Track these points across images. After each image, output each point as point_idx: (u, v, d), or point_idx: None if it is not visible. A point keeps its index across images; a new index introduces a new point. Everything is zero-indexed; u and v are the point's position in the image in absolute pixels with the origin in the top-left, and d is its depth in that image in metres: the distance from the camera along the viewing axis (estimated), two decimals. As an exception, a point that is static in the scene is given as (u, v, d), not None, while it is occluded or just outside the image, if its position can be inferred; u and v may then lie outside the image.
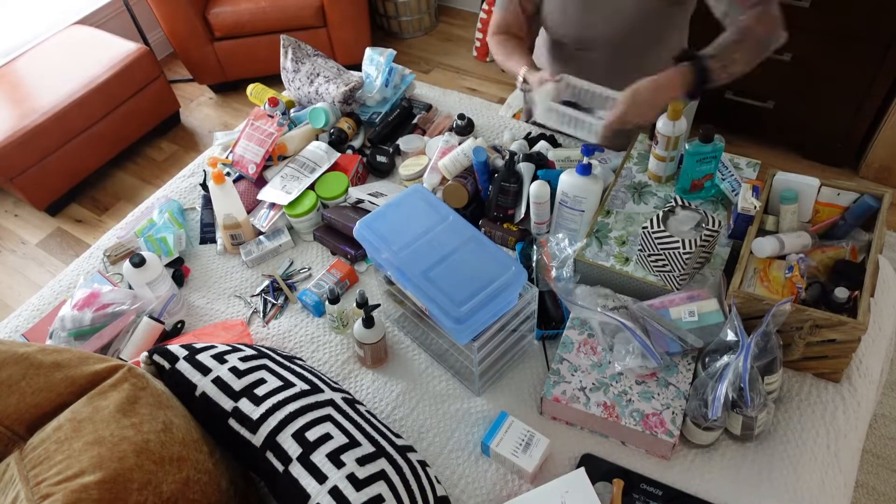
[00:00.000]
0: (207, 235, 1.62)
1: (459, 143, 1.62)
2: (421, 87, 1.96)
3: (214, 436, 1.04)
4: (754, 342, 1.08)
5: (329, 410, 1.03)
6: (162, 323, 1.38)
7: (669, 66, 1.23)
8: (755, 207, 1.25)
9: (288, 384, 1.05)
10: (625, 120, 1.22)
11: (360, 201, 1.56)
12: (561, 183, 1.38)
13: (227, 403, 1.01)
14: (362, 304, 1.26)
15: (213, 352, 1.09)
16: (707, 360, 1.13)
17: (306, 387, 1.06)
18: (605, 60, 1.39)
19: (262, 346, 1.20)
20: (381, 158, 1.68)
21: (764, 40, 1.19)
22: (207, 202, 1.67)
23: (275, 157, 1.66)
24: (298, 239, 1.59)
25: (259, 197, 1.60)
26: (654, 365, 1.14)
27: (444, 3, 3.86)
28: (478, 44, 3.47)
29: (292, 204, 1.55)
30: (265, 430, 0.98)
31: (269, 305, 1.45)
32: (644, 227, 1.22)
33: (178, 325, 1.43)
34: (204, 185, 1.74)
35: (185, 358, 1.07)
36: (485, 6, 3.30)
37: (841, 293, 1.12)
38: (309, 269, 1.52)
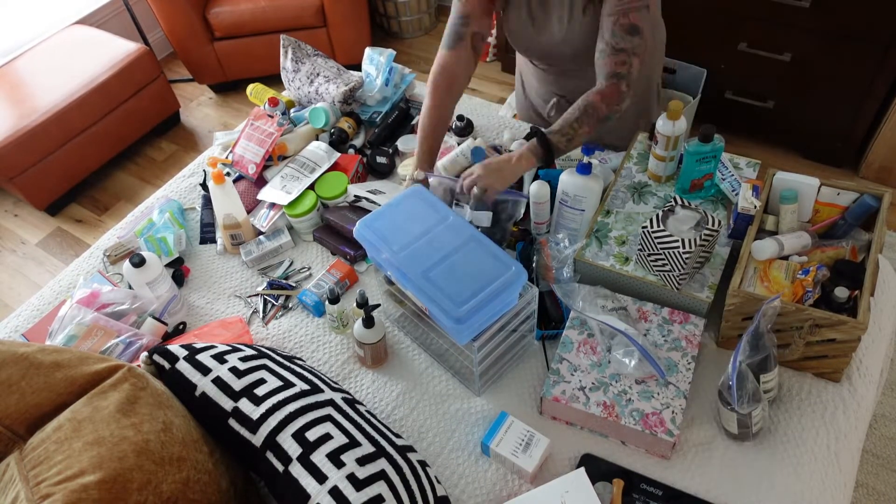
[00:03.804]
0: (207, 235, 1.62)
1: (458, 144, 1.62)
2: (421, 87, 1.96)
3: (214, 436, 1.04)
4: (745, 340, 1.08)
5: (329, 410, 1.03)
6: (165, 324, 1.38)
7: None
8: (755, 207, 1.25)
9: (288, 384, 1.05)
10: (480, 182, 1.31)
11: (359, 199, 1.56)
12: (561, 182, 1.38)
13: (227, 403, 1.01)
14: (362, 304, 1.26)
15: (213, 352, 1.09)
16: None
17: (306, 387, 1.06)
18: (560, 72, 1.57)
19: (262, 346, 1.20)
20: (380, 159, 1.68)
21: (604, 116, 1.34)
22: (207, 202, 1.67)
23: (275, 157, 1.66)
24: (298, 239, 1.59)
25: (259, 197, 1.60)
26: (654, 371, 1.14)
27: (444, 3, 3.85)
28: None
29: (292, 204, 1.55)
30: (265, 430, 0.98)
31: (269, 305, 1.45)
32: (644, 227, 1.22)
33: (180, 327, 1.43)
34: (204, 185, 1.74)
35: (185, 358, 1.07)
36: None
37: (841, 293, 1.12)
38: (309, 269, 1.52)
